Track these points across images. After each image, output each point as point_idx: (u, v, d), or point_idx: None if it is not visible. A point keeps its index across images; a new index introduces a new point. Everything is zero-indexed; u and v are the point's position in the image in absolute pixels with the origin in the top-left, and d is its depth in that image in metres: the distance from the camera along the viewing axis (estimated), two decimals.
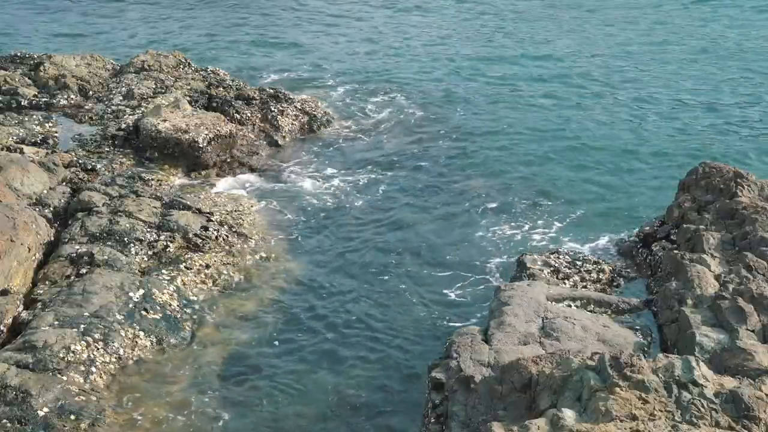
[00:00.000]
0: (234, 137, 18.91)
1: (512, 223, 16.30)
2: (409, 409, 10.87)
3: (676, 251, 12.67)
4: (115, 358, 11.43)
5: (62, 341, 11.10)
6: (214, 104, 20.43)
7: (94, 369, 11.04)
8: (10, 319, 11.75)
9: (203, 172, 17.90)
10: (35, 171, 15.32)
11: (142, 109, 19.59)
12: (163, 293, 12.85)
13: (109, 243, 13.75)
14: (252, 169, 18.52)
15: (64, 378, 10.62)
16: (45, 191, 15.04)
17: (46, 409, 9.99)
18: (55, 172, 15.79)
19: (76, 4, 34.15)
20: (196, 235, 14.50)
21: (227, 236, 14.82)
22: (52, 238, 13.92)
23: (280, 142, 19.90)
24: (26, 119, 18.74)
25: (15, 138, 17.43)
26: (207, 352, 12.03)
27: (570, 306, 11.65)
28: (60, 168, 16.01)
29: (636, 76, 25.97)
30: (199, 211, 15.25)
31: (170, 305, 12.75)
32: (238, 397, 11.12)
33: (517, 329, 10.49)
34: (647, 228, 14.69)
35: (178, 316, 12.65)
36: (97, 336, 11.47)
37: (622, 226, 16.04)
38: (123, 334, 11.79)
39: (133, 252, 13.70)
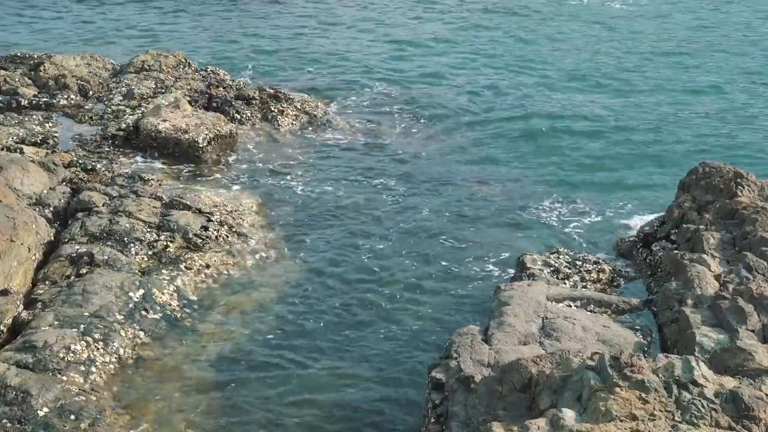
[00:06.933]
0: (234, 137, 18.91)
1: (512, 223, 16.30)
2: (409, 409, 10.87)
3: (676, 251, 12.67)
4: (115, 358, 11.43)
5: (62, 341, 11.09)
6: (214, 104, 20.44)
7: (94, 369, 11.03)
8: (10, 319, 11.74)
9: (203, 172, 17.89)
10: (35, 171, 15.32)
11: (142, 109, 19.58)
12: (163, 293, 12.86)
13: (109, 243, 13.75)
14: (252, 169, 18.50)
15: (64, 378, 10.61)
16: (45, 191, 15.03)
17: (46, 409, 9.99)
18: (55, 172, 15.78)
19: (76, 5, 34.13)
20: (196, 235, 14.50)
21: (227, 236, 14.82)
22: (52, 238, 13.92)
23: (280, 142, 19.90)
24: (26, 119, 18.74)
25: (15, 138, 17.43)
26: (207, 352, 12.02)
27: (570, 306, 11.64)
28: (60, 168, 16.01)
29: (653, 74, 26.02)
30: (199, 211, 15.25)
31: (170, 305, 12.76)
32: (239, 396, 11.12)
33: (517, 329, 10.49)
34: (647, 228, 14.69)
35: (178, 315, 12.66)
36: (97, 336, 11.48)
37: (622, 225, 16.06)
38: (123, 334, 11.79)
39: (133, 252, 13.70)
